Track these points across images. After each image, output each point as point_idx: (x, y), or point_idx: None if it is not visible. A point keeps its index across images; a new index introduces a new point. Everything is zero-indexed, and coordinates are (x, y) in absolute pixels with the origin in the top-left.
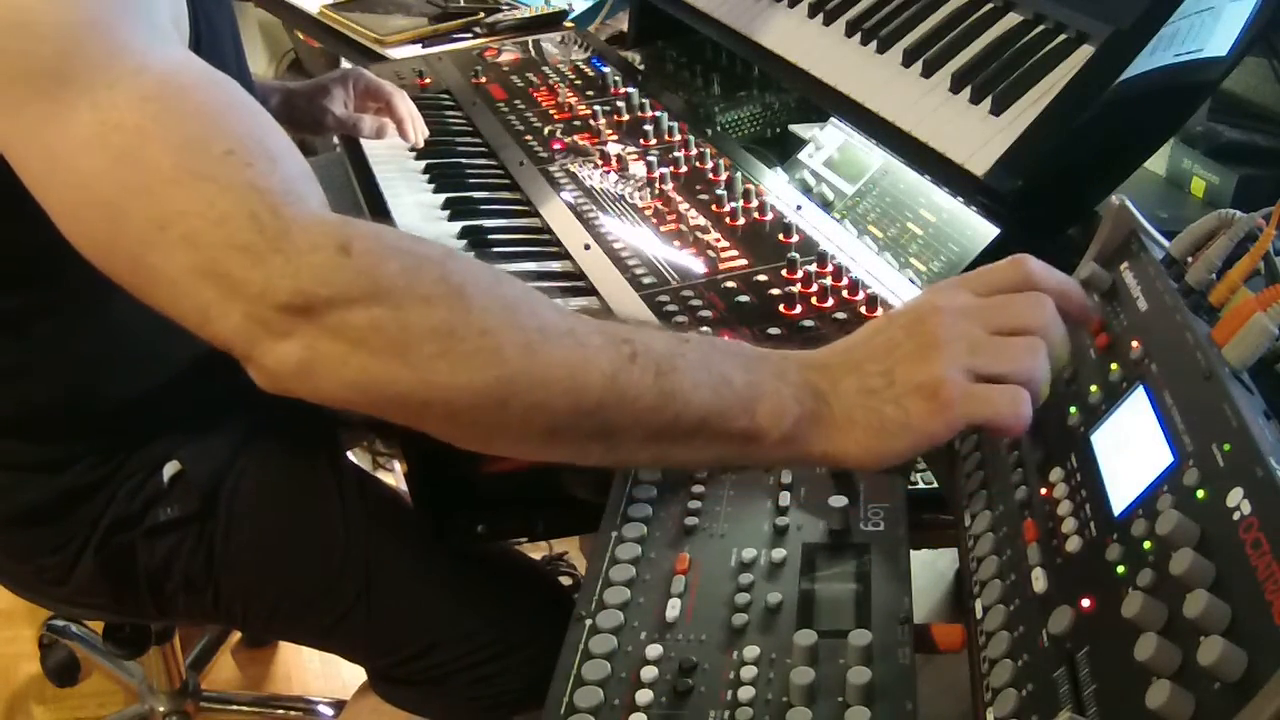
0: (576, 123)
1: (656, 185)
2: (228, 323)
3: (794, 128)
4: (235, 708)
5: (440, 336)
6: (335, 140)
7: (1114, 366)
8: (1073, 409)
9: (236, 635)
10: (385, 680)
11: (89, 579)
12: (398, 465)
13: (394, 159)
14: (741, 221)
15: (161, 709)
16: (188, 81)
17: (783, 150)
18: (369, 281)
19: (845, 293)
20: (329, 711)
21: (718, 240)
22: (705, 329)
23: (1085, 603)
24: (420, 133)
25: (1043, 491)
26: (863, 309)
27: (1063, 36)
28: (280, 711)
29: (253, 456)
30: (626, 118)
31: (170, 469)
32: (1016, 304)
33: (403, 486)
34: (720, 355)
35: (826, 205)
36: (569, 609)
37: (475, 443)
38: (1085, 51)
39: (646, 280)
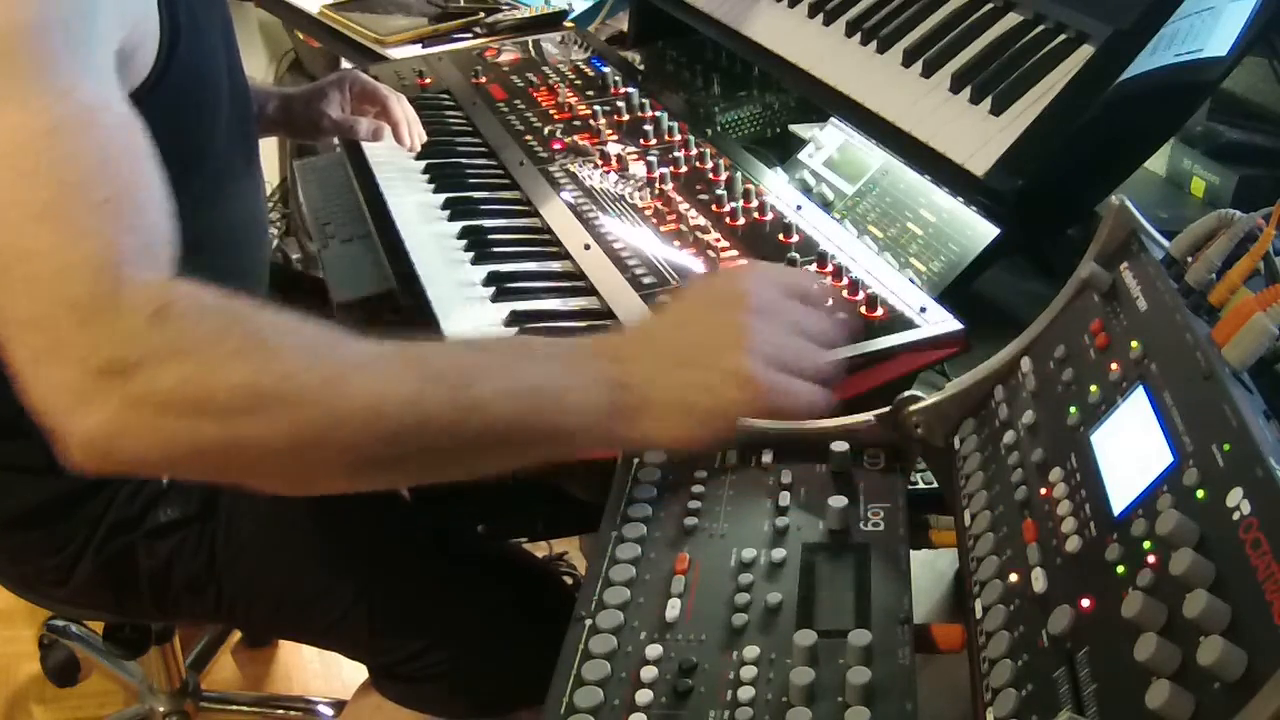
0: (576, 123)
1: (656, 185)
2: (48, 382)
3: (794, 128)
4: (235, 708)
5: (247, 390)
6: (335, 141)
7: (1114, 366)
8: (1073, 409)
9: (236, 635)
10: (386, 678)
11: (89, 580)
12: None
13: (394, 160)
14: (741, 221)
15: (161, 709)
16: (94, 123)
17: (783, 150)
18: (178, 343)
19: (845, 293)
20: (329, 711)
21: (718, 240)
22: None
23: (1085, 603)
24: (416, 136)
25: (1042, 491)
26: (863, 309)
27: (1063, 36)
28: (280, 711)
29: None
30: (626, 118)
31: None
32: (820, 316)
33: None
34: (520, 360)
35: (826, 205)
36: (569, 607)
37: (296, 487)
38: (1085, 51)
39: (646, 280)
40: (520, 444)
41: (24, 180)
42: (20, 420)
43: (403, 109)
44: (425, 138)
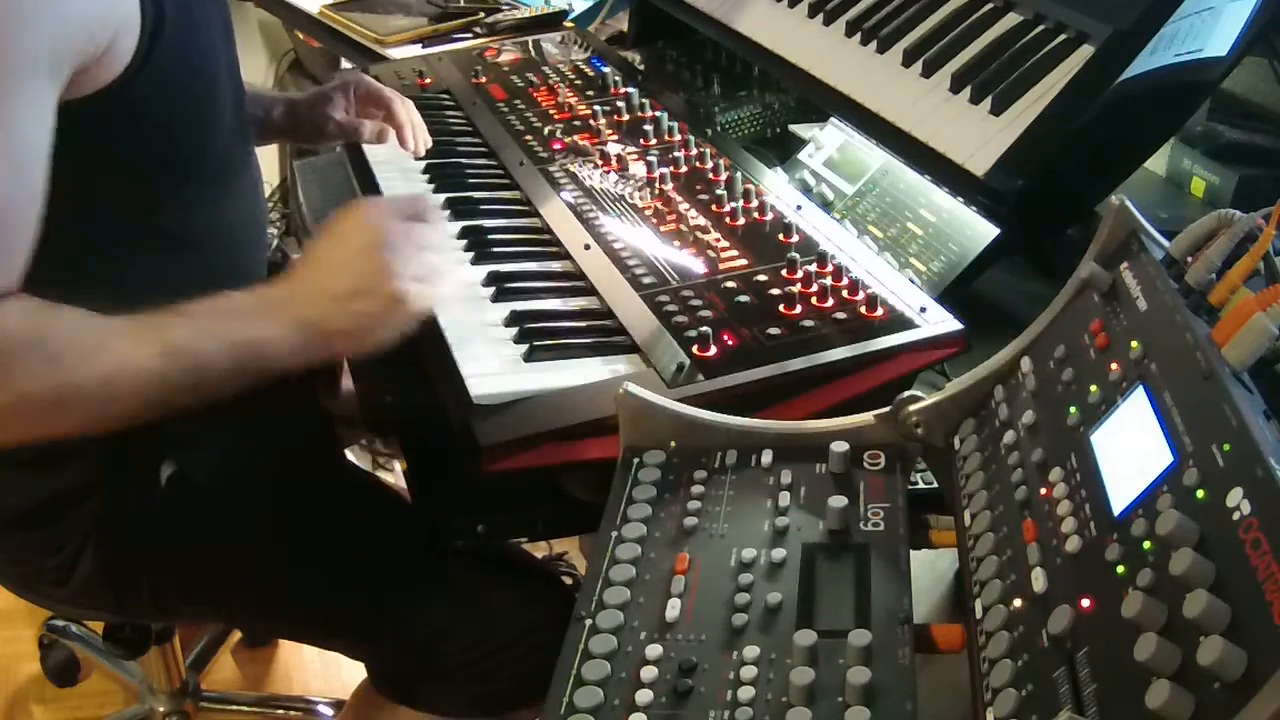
0: (576, 123)
1: (656, 185)
2: None
3: (794, 128)
4: (235, 708)
5: (48, 403)
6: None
7: (1114, 366)
8: (1073, 409)
9: (236, 635)
10: (386, 677)
11: (89, 580)
12: (398, 465)
13: (394, 160)
14: (741, 221)
15: (161, 709)
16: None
17: (783, 150)
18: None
19: (845, 293)
20: (329, 711)
21: (718, 240)
22: (705, 329)
23: (1085, 603)
24: (421, 140)
25: (1043, 491)
26: (863, 309)
27: (1063, 36)
28: (280, 711)
29: (251, 457)
30: (626, 118)
31: (167, 470)
32: (424, 231)
33: (402, 486)
34: (225, 321)
35: (826, 205)
36: (570, 606)
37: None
38: (1085, 51)
39: (646, 280)
40: (248, 379)
41: None
42: None
43: (408, 112)
44: (430, 143)
